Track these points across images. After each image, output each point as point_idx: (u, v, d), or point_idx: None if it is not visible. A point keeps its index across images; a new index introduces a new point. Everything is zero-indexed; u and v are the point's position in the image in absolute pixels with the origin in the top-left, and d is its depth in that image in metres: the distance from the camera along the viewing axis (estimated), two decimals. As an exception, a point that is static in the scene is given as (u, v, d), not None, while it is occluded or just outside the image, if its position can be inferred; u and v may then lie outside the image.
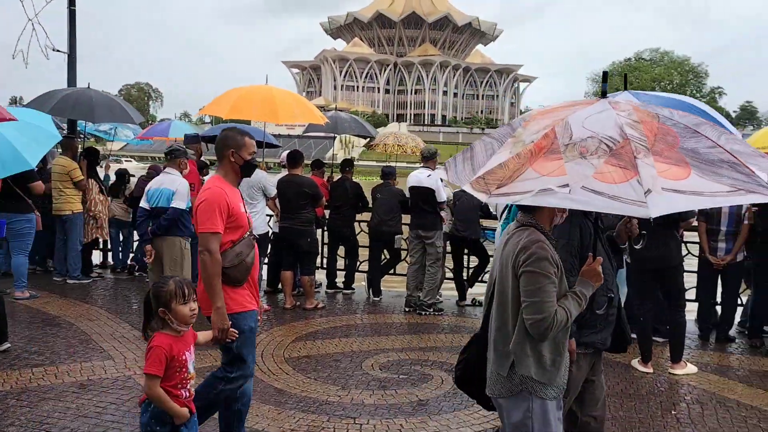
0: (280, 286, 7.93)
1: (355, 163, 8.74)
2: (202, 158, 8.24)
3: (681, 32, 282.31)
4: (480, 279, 8.39)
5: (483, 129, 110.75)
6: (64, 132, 9.47)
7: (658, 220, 5.58)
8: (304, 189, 7.25)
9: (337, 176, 8.89)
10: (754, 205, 6.55)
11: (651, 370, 5.63)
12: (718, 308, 6.92)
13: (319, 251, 8.19)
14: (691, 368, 5.69)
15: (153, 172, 8.13)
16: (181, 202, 5.93)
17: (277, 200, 7.36)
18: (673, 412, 4.71)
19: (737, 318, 7.12)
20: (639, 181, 2.21)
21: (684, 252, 6.73)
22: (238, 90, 7.83)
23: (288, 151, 7.67)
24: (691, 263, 6.90)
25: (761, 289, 6.69)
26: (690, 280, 6.59)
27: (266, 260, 8.02)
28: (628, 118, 2.52)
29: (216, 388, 3.54)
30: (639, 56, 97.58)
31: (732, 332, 6.88)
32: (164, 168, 6.56)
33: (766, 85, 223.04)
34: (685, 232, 6.61)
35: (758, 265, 6.58)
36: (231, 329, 3.34)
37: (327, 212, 8.51)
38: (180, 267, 5.96)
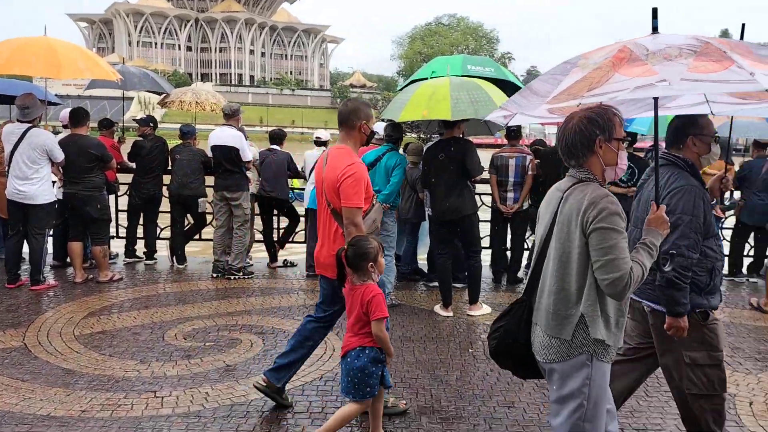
0: (69, 259, 7.17)
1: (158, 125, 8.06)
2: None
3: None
4: (291, 239, 8.31)
5: (293, 90, 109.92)
6: None
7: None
8: (90, 150, 6.55)
9: (132, 138, 8.16)
10: (536, 157, 7.20)
11: (451, 314, 6.01)
12: (509, 253, 7.53)
13: (112, 218, 7.53)
14: (486, 309, 6.15)
15: None
16: None
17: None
18: (470, 350, 5.06)
19: (524, 261, 7.84)
20: (739, 66, 2.17)
21: (478, 203, 7.22)
22: (13, 42, 6.77)
23: (68, 109, 6.86)
24: (485, 214, 7.40)
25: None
26: (484, 229, 7.07)
27: (51, 231, 7.18)
28: (694, 37, 2.50)
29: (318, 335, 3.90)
30: (438, 21, 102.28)
31: (520, 274, 7.55)
32: None
33: (547, 52, 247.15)
34: (477, 185, 7.04)
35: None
36: None
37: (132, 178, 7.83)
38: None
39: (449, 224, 6.06)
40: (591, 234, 2.36)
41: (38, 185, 6.30)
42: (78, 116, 6.66)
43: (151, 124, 7.86)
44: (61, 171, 6.67)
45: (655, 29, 2.66)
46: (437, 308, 6.14)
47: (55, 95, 8.78)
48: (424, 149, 6.88)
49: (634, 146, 7.48)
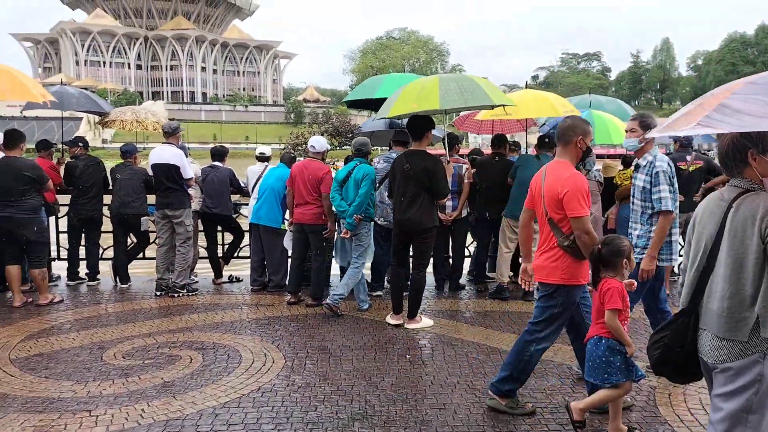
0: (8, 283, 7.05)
1: (108, 144, 8.01)
2: None
3: (428, 12, 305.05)
4: (236, 255, 8.32)
5: (246, 107, 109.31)
6: None
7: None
8: (25, 173, 6.47)
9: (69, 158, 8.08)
10: (472, 166, 7.42)
11: (401, 321, 6.02)
12: (451, 261, 7.70)
13: (50, 240, 7.44)
14: (426, 322, 6.09)
15: None
16: None
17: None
18: (407, 357, 5.18)
19: (467, 267, 8.03)
20: None
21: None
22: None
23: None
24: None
25: (480, 242, 7.63)
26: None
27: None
28: None
29: (528, 350, 4.00)
30: (389, 35, 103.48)
31: (462, 280, 7.73)
32: None
33: (496, 64, 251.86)
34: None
35: (477, 219, 7.47)
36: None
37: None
38: None
39: (407, 236, 5.99)
40: None
41: None
42: (11, 138, 6.58)
43: (80, 144, 7.82)
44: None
45: None
46: (388, 318, 6.15)
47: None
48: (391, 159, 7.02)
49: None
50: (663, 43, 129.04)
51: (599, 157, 15.27)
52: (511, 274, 7.62)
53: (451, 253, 7.65)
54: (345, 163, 7.80)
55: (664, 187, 4.43)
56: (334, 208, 6.53)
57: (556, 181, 3.84)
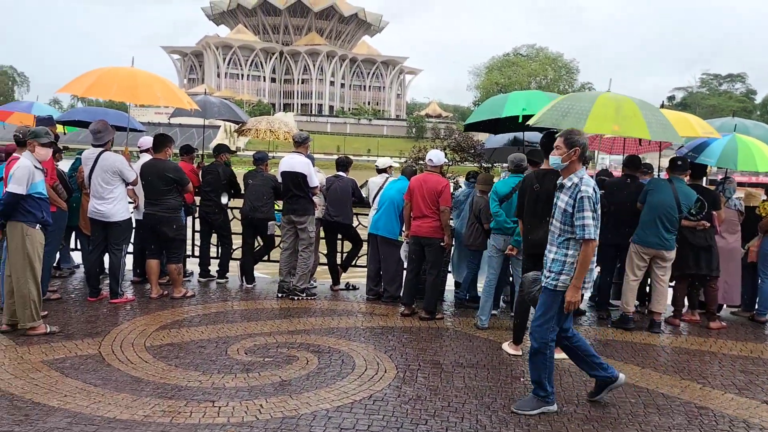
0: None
1: (241, 152, 8.57)
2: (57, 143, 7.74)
3: (554, 29, 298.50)
4: (353, 263, 8.51)
5: (370, 120, 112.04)
6: None
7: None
8: (168, 174, 7.02)
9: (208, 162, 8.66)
10: (601, 187, 7.12)
11: (520, 353, 5.70)
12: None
13: (187, 238, 7.97)
14: None
15: (1, 154, 7.56)
16: (16, 186, 5.48)
17: (136, 187, 7.08)
18: (522, 379, 5.04)
19: (588, 293, 7.69)
20: None
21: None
22: (101, 70, 7.44)
23: (147, 136, 7.39)
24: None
25: (605, 267, 7.28)
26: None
27: (129, 248, 7.69)
28: None
29: None
30: (517, 52, 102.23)
31: (583, 306, 7.42)
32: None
33: (629, 81, 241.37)
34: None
35: (602, 243, 7.13)
36: None
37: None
38: (21, 254, 5.55)
39: (536, 258, 5.54)
40: None
41: (113, 204, 6.76)
42: (158, 142, 7.15)
43: (220, 153, 8.31)
44: (136, 194, 7.17)
45: None
46: (506, 345, 5.86)
47: (149, 123, 9.47)
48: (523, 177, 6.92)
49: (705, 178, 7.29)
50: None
51: (744, 185, 14.16)
52: (638, 303, 7.25)
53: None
54: (466, 179, 7.78)
55: (588, 214, 4.14)
56: (496, 223, 6.43)
57: None
